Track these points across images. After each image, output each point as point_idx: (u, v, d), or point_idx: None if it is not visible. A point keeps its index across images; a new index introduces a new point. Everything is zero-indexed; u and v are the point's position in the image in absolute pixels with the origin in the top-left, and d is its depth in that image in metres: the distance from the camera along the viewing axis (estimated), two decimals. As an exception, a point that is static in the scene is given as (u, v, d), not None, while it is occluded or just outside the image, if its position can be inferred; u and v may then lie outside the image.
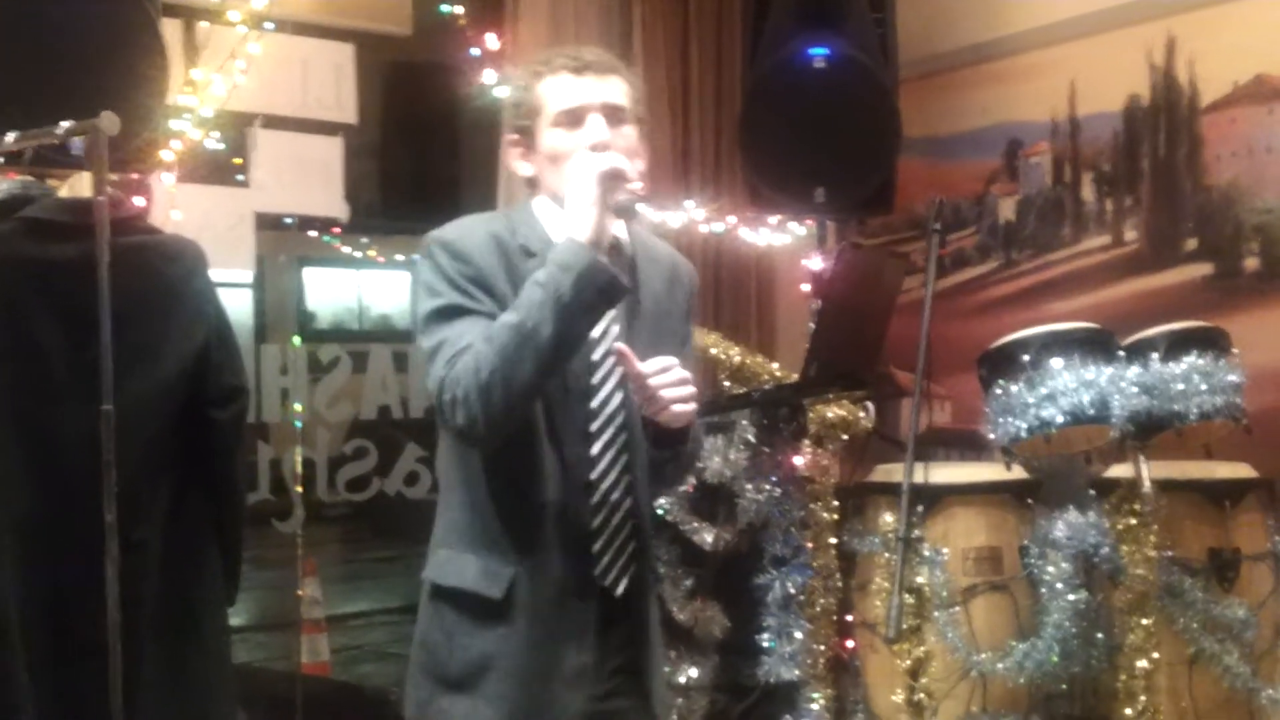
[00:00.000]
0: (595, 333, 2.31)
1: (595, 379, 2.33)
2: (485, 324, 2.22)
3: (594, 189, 2.19)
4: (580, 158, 2.26)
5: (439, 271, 2.29)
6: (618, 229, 2.35)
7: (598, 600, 2.32)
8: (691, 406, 2.26)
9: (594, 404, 2.33)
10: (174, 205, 3.87)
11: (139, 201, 3.51)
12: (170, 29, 3.69)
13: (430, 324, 2.28)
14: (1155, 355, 3.55)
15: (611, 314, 2.32)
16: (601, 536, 2.32)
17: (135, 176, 3.62)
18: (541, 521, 2.29)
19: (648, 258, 2.46)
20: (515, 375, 2.15)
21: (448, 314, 2.26)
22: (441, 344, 2.23)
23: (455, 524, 2.36)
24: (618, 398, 2.34)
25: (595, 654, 2.32)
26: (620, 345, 2.26)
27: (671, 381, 2.22)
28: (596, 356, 2.34)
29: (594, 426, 2.32)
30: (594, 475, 2.31)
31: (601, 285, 2.16)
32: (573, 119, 2.32)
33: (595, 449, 2.32)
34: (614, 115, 2.33)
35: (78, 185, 2.98)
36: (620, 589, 2.34)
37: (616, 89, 2.35)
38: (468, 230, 2.35)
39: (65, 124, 2.63)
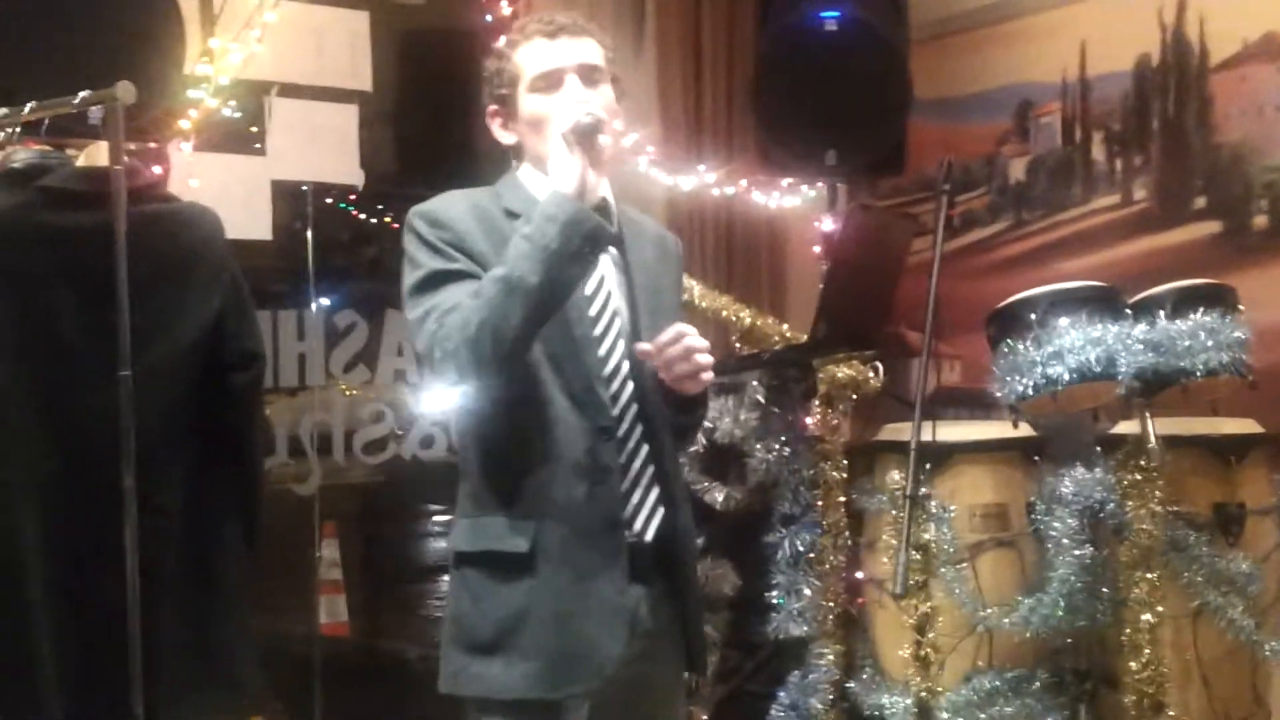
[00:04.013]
0: (592, 285, 2.37)
1: (598, 330, 2.37)
2: (468, 284, 2.26)
3: (574, 140, 2.24)
4: (560, 113, 2.31)
5: (419, 241, 2.34)
6: (604, 190, 2.38)
7: (629, 545, 2.34)
8: (709, 376, 2.31)
9: (601, 352, 2.37)
10: (191, 174, 3.91)
11: (156, 170, 3.56)
12: (186, -2, 3.72)
13: (416, 293, 2.32)
14: (1162, 312, 3.55)
15: (607, 269, 2.38)
16: (625, 480, 2.36)
17: (152, 145, 3.67)
18: (561, 472, 2.32)
19: (634, 229, 2.51)
20: (504, 325, 2.18)
21: (432, 281, 2.31)
22: (429, 310, 2.28)
23: (474, 492, 2.40)
24: (622, 345, 2.38)
25: (630, 597, 2.34)
26: (641, 346, 2.31)
27: (685, 351, 2.27)
28: (595, 309, 2.38)
29: (605, 372, 2.36)
30: (610, 420, 2.35)
31: (587, 232, 2.20)
32: (550, 81, 2.37)
33: (609, 394, 2.36)
34: (589, 75, 2.38)
35: (95, 154, 3.01)
36: (650, 533, 2.37)
37: (591, 49, 2.40)
38: (446, 200, 2.40)
39: (82, 93, 2.67)
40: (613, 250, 2.42)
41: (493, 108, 2.46)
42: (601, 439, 2.34)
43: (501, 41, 2.46)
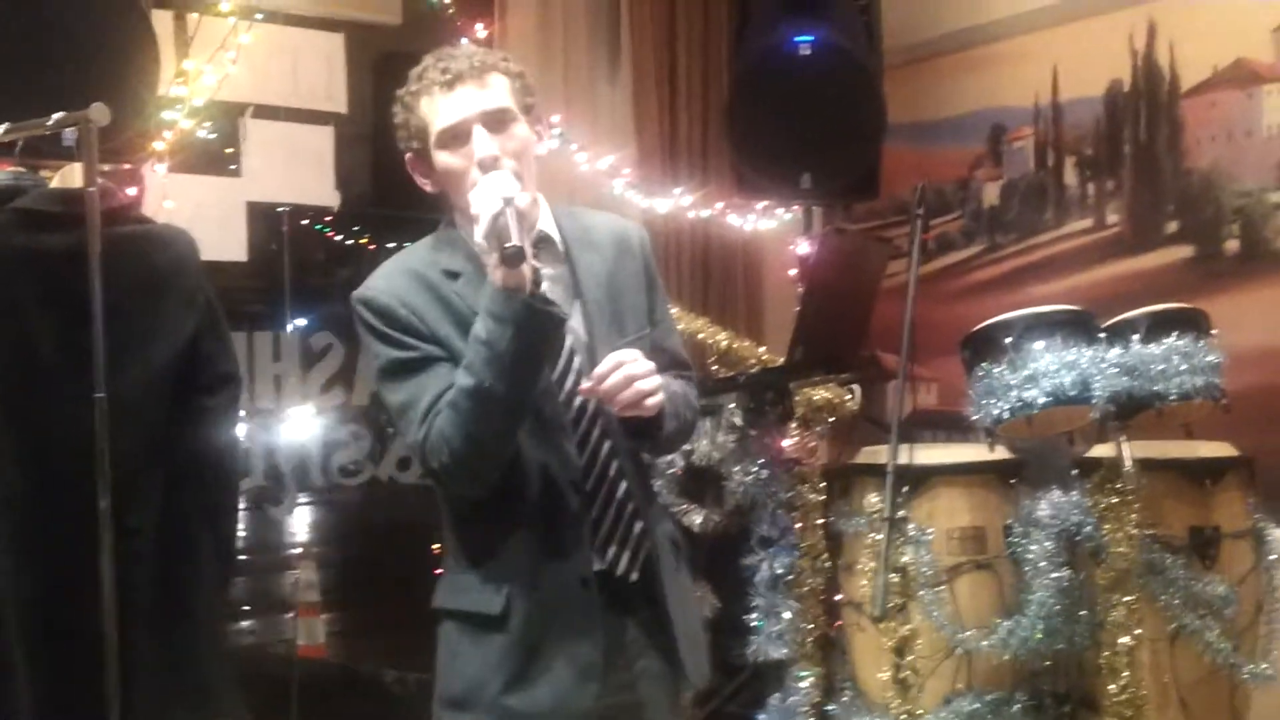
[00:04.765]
0: None
1: (555, 375, 2.33)
2: (436, 369, 2.25)
3: (495, 230, 2.15)
4: (475, 195, 2.22)
5: (369, 330, 2.32)
6: (544, 223, 2.34)
7: (607, 593, 2.33)
8: (656, 399, 2.24)
9: (562, 398, 2.34)
10: (166, 195, 3.90)
11: (131, 192, 3.55)
12: (161, 20, 3.73)
13: (384, 382, 2.33)
14: (1136, 336, 3.57)
15: (559, 299, 2.30)
16: (602, 527, 2.34)
17: (127, 167, 3.65)
18: (531, 530, 2.31)
19: (584, 241, 2.43)
20: (484, 435, 2.20)
21: (395, 371, 2.30)
22: (405, 405, 2.27)
23: (454, 549, 2.40)
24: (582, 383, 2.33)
25: (606, 649, 2.32)
26: (583, 386, 2.26)
27: (625, 380, 2.20)
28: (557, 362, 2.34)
29: (567, 420, 2.34)
30: (576, 473, 2.33)
31: (539, 326, 2.17)
32: (456, 135, 2.28)
33: (574, 443, 2.33)
34: (496, 121, 2.28)
35: (69, 176, 3.00)
36: (635, 574, 2.36)
37: (494, 93, 2.30)
38: (385, 280, 2.35)
39: (56, 115, 2.66)
40: (563, 273, 2.37)
41: (409, 157, 2.39)
42: (570, 491, 2.32)
43: (404, 90, 2.36)
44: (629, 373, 2.20)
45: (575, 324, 2.36)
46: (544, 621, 2.30)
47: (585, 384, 2.25)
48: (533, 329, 2.16)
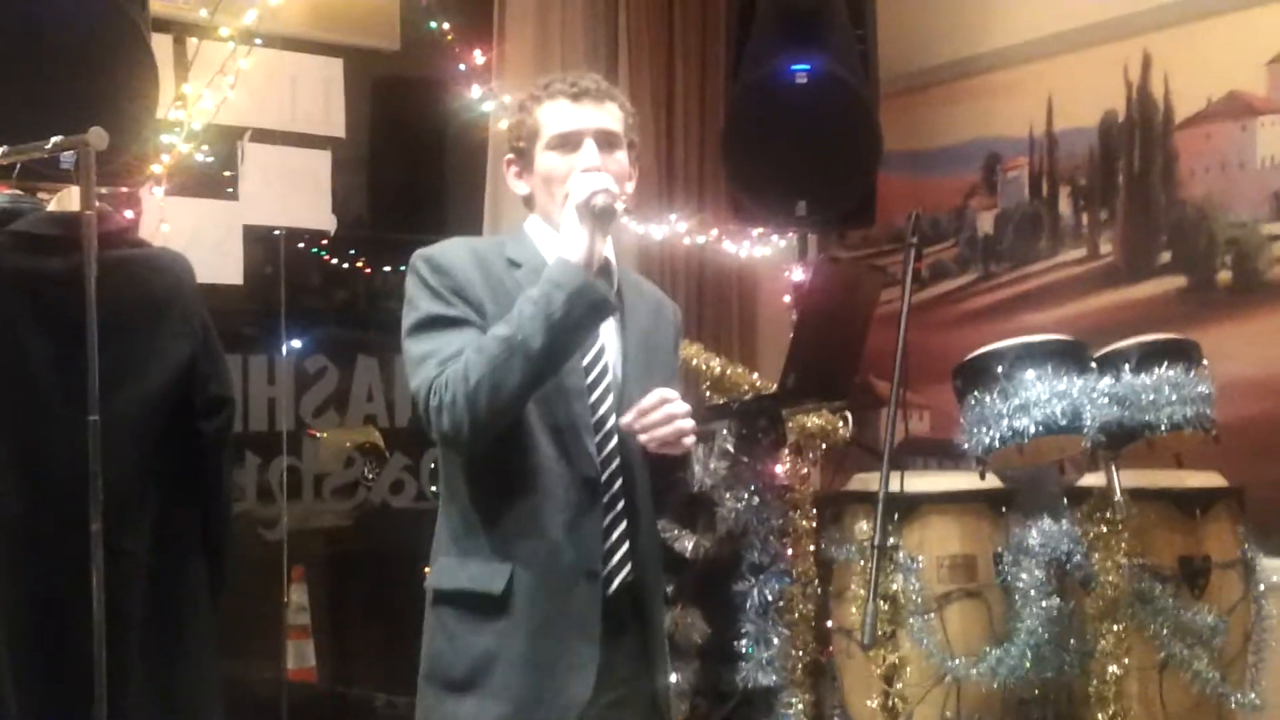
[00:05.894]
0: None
1: (589, 380, 2.41)
2: (467, 332, 2.31)
3: (586, 210, 2.28)
4: (574, 180, 2.35)
5: (420, 284, 2.39)
6: (607, 253, 2.44)
7: (602, 594, 2.38)
8: (690, 441, 2.36)
9: (590, 401, 2.41)
10: (163, 218, 3.91)
11: (128, 215, 3.56)
12: (160, 44, 3.73)
13: (414, 334, 2.37)
14: (1127, 366, 3.59)
15: (607, 328, 2.42)
16: (603, 531, 2.39)
17: (125, 190, 3.67)
18: (541, 518, 2.36)
19: (634, 289, 2.57)
20: (503, 384, 2.22)
21: (430, 324, 2.36)
22: (427, 354, 2.32)
23: (455, 531, 2.43)
24: (611, 398, 2.43)
25: (601, 646, 2.36)
26: (623, 419, 2.35)
27: (665, 417, 2.31)
28: (588, 360, 2.42)
29: (591, 421, 2.40)
30: (594, 470, 2.39)
31: (592, 303, 2.25)
32: (567, 143, 2.42)
33: (594, 444, 2.40)
34: (607, 140, 2.43)
35: (66, 199, 3.02)
36: (618, 584, 2.41)
37: (611, 115, 2.45)
38: (449, 245, 2.45)
39: (55, 138, 2.67)
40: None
41: (509, 157, 2.53)
42: (584, 489, 2.38)
43: (525, 94, 2.52)
44: (670, 411, 2.32)
45: (613, 358, 2.46)
46: (547, 608, 2.34)
47: (627, 417, 2.34)
48: (585, 303, 2.24)
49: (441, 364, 2.28)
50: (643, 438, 2.34)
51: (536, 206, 2.50)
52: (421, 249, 2.43)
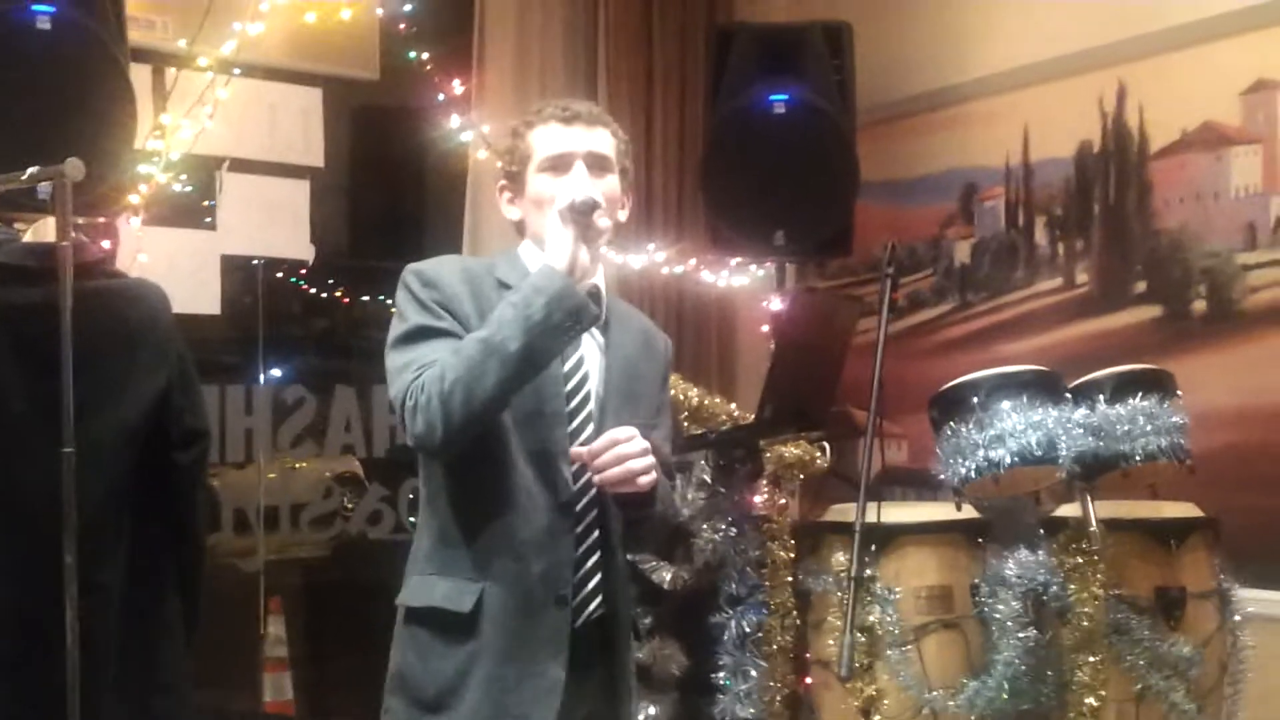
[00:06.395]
0: (571, 361, 2.41)
1: (570, 406, 2.42)
2: (452, 343, 2.32)
3: (568, 212, 2.30)
4: (559, 193, 2.36)
5: (410, 297, 2.41)
6: (598, 278, 2.45)
7: (571, 622, 2.37)
8: (649, 479, 2.33)
9: (570, 428, 2.41)
10: (141, 248, 3.91)
11: (104, 245, 3.56)
12: (138, 74, 3.72)
13: (398, 345, 2.38)
14: (1101, 397, 3.60)
15: (589, 349, 2.44)
16: (576, 559, 2.39)
17: (102, 220, 3.66)
18: (515, 541, 2.35)
19: (621, 319, 2.57)
20: (478, 386, 2.22)
21: (415, 335, 2.37)
22: (409, 362, 2.33)
23: (428, 550, 2.44)
24: (591, 427, 2.42)
25: (569, 671, 2.36)
26: (575, 450, 2.34)
27: (616, 459, 2.29)
28: (570, 385, 2.42)
29: (570, 448, 2.39)
30: (569, 496, 2.39)
31: (571, 307, 2.25)
32: (558, 165, 2.44)
33: (571, 471, 2.39)
34: (598, 164, 2.45)
35: (43, 230, 3.01)
36: (588, 615, 2.41)
37: (602, 140, 2.48)
38: (441, 261, 2.48)
39: (31, 169, 2.67)
40: (596, 333, 2.48)
41: (502, 183, 2.55)
42: (558, 514, 2.38)
43: (519, 119, 2.54)
44: (620, 452, 2.29)
45: (596, 384, 2.46)
46: (514, 630, 2.34)
47: (578, 448, 2.33)
48: (565, 307, 2.24)
49: (420, 369, 2.30)
50: (595, 478, 2.33)
51: (528, 231, 2.51)
52: (413, 264, 2.45)
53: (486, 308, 2.35)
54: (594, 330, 2.45)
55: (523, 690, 2.33)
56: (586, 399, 2.44)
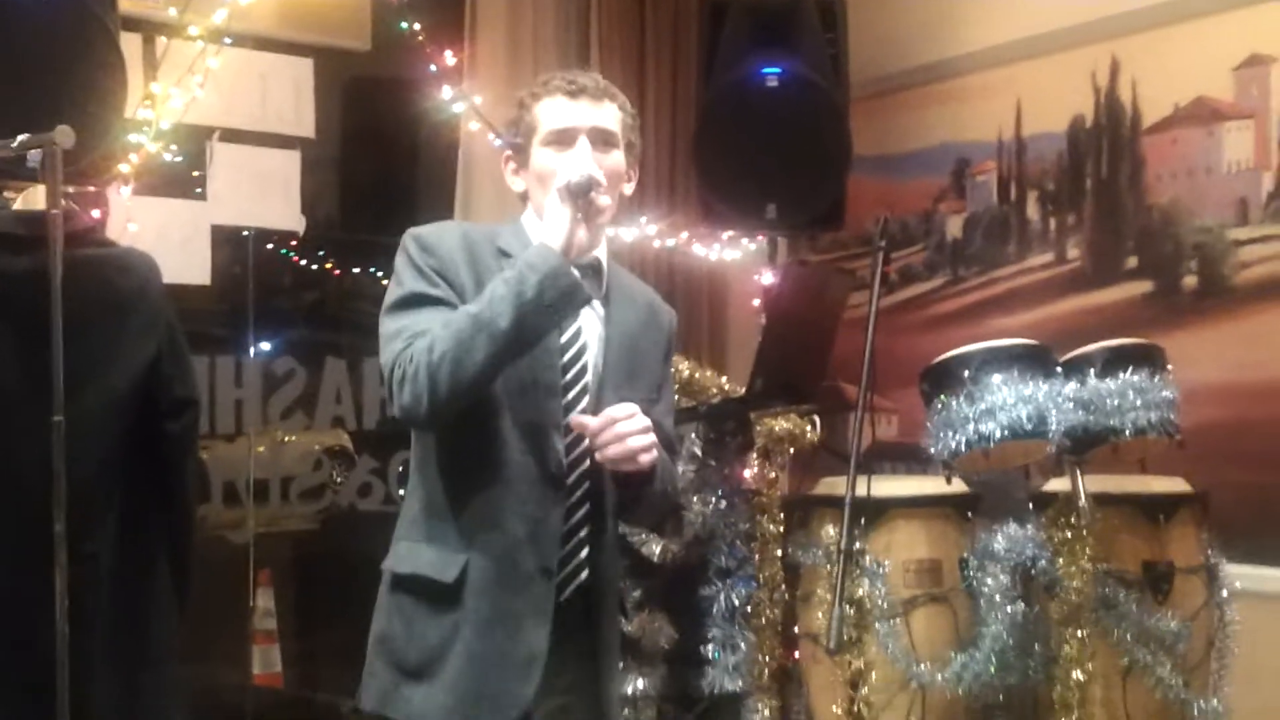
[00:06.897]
0: (568, 334, 2.41)
1: (566, 378, 2.41)
2: (445, 313, 2.31)
3: (567, 197, 2.29)
4: (560, 169, 2.36)
5: (407, 261, 2.41)
6: (600, 251, 2.46)
7: (556, 595, 2.38)
8: (649, 457, 2.33)
9: (564, 400, 2.41)
10: (130, 218, 3.89)
11: (94, 214, 3.54)
12: (129, 43, 3.70)
13: (392, 310, 2.38)
14: (1092, 371, 3.61)
15: (589, 321, 2.43)
16: (564, 530, 2.39)
17: (92, 189, 3.65)
18: (503, 511, 2.36)
19: (623, 292, 2.55)
20: (466, 360, 2.22)
21: (410, 301, 2.37)
22: (401, 329, 2.33)
23: (415, 516, 2.44)
24: (587, 399, 2.42)
25: (550, 646, 2.36)
26: (575, 418, 2.34)
27: (615, 437, 2.29)
28: (567, 358, 2.42)
29: (563, 420, 2.40)
30: (559, 468, 2.39)
31: (564, 287, 2.25)
32: (562, 139, 2.42)
33: (563, 443, 2.39)
34: (602, 139, 2.43)
35: (33, 198, 3.00)
36: (575, 586, 2.41)
37: (608, 114, 2.46)
38: (442, 227, 2.48)
39: (21, 137, 2.65)
40: (598, 305, 2.47)
41: (507, 154, 2.54)
42: (547, 486, 2.38)
43: (525, 90, 2.53)
44: (621, 430, 2.29)
45: (594, 356, 2.45)
46: (497, 601, 2.34)
47: (579, 416, 2.34)
48: (558, 287, 2.24)
49: (411, 338, 2.29)
50: (596, 454, 2.33)
51: (532, 203, 2.50)
52: (414, 228, 2.45)
53: (485, 277, 2.35)
54: (595, 302, 2.45)
55: (504, 663, 2.34)
56: (583, 371, 2.43)
